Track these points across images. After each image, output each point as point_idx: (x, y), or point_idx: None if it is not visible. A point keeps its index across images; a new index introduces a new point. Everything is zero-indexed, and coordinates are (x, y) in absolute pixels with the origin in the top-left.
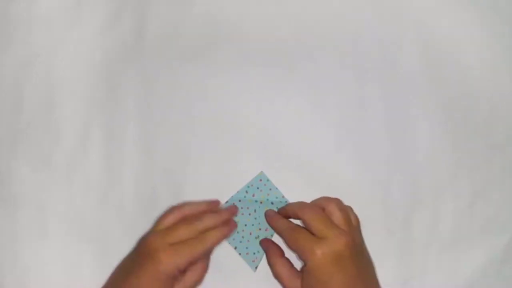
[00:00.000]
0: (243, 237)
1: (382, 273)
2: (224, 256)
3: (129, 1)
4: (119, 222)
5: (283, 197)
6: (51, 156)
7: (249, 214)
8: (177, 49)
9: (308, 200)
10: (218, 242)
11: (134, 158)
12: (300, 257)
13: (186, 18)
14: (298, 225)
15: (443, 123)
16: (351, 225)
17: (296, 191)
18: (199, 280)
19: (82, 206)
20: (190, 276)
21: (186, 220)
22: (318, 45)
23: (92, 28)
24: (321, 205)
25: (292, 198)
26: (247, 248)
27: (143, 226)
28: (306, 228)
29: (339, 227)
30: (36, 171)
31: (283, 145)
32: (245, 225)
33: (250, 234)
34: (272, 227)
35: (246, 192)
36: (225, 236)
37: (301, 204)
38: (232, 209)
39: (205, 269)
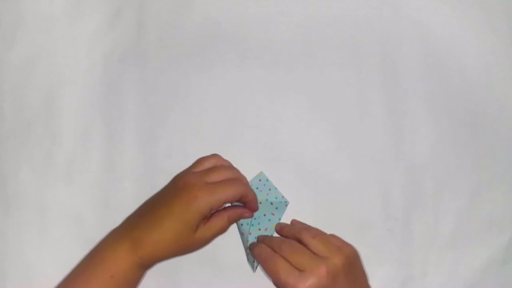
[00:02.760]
0: (243, 234)
1: (382, 273)
2: (224, 256)
3: (129, 1)
4: (119, 222)
5: (282, 197)
6: (51, 156)
7: None
8: (177, 49)
9: (308, 200)
10: (248, 191)
11: (134, 158)
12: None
13: (186, 18)
14: (278, 256)
15: (443, 123)
16: (331, 249)
17: (296, 191)
18: (223, 228)
19: (82, 206)
20: (215, 221)
21: (221, 165)
22: (318, 45)
23: (92, 28)
24: (296, 238)
25: (291, 198)
26: (247, 248)
27: None
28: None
29: (318, 256)
30: (36, 171)
31: (282, 145)
32: (242, 225)
33: (250, 234)
34: (253, 254)
35: None
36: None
37: (279, 241)
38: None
39: (229, 221)
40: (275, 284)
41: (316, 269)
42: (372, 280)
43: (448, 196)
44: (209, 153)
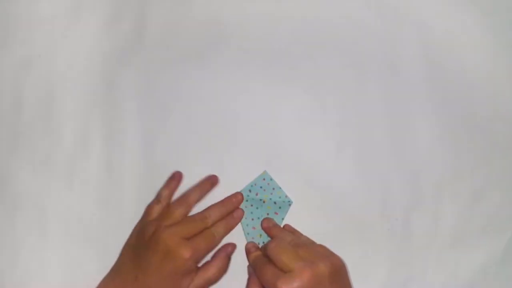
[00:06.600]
0: (248, 233)
1: (382, 273)
2: None
3: (129, 1)
4: (119, 222)
5: (286, 196)
6: (51, 157)
7: (251, 212)
8: (177, 49)
9: (308, 200)
10: (227, 233)
11: (134, 158)
12: None
13: (186, 18)
14: (268, 263)
15: (443, 123)
16: (318, 256)
17: (296, 191)
18: (220, 275)
19: (82, 206)
20: (210, 271)
21: (197, 216)
22: (318, 45)
23: (92, 28)
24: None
25: (292, 197)
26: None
27: None
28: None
29: (305, 259)
30: (36, 171)
31: (283, 145)
32: (247, 225)
33: (254, 229)
34: (248, 261)
35: (250, 191)
36: (233, 227)
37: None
38: (238, 197)
39: (225, 266)
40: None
41: (301, 271)
42: (372, 280)
43: (448, 196)
44: (208, 153)
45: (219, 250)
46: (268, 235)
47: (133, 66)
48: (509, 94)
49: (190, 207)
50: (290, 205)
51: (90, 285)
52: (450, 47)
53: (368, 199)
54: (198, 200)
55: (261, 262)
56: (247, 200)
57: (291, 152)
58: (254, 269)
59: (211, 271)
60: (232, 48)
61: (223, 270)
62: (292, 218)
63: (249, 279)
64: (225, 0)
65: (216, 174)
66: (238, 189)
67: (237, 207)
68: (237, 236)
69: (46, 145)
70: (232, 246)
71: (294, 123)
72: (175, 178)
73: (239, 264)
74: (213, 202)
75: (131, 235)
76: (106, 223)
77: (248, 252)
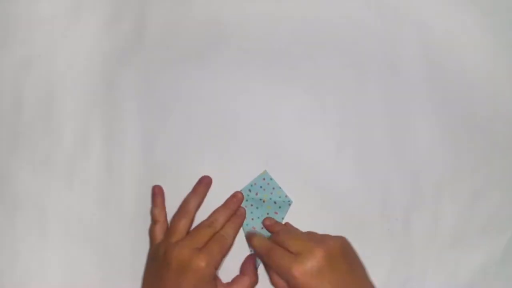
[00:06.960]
0: (248, 233)
1: (382, 273)
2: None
3: (129, 1)
4: (119, 222)
5: (286, 196)
6: (51, 157)
7: (251, 212)
8: (177, 49)
9: (308, 200)
10: (237, 233)
11: (134, 158)
12: (281, 277)
13: (186, 18)
14: (275, 245)
15: (443, 123)
16: (325, 236)
17: (296, 191)
18: (254, 286)
19: (82, 206)
20: (244, 285)
21: (204, 224)
22: (318, 45)
23: (92, 28)
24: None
25: (292, 197)
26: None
27: (143, 226)
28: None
29: (314, 240)
30: (36, 171)
31: (283, 145)
32: (247, 224)
33: (254, 229)
34: (252, 246)
35: (249, 190)
36: (240, 225)
37: (277, 229)
38: (238, 196)
39: (256, 277)
40: (273, 271)
41: (312, 251)
42: (372, 280)
43: (448, 196)
44: (208, 153)
45: (246, 262)
46: (271, 232)
47: (133, 66)
48: (509, 94)
49: (191, 215)
50: (290, 204)
51: (90, 285)
52: (450, 47)
53: (368, 199)
54: (198, 206)
55: (268, 245)
56: (247, 200)
57: (291, 152)
58: (260, 254)
59: (245, 285)
60: (232, 48)
61: (256, 281)
62: (292, 218)
63: (266, 269)
64: (225, 0)
65: (216, 174)
66: (238, 189)
67: (239, 206)
68: (237, 236)
69: (46, 145)
70: (254, 256)
71: (294, 123)
72: (157, 193)
73: (240, 262)
74: (213, 203)
75: (146, 264)
76: (106, 223)
77: (249, 239)
